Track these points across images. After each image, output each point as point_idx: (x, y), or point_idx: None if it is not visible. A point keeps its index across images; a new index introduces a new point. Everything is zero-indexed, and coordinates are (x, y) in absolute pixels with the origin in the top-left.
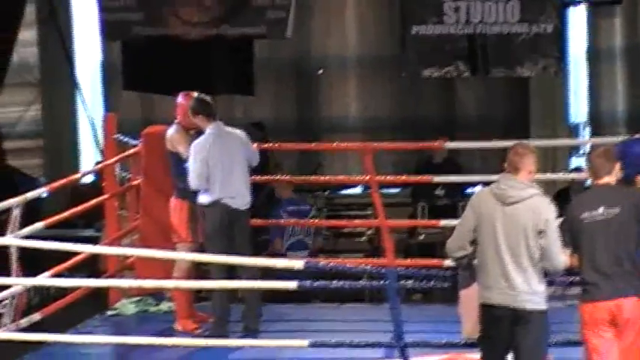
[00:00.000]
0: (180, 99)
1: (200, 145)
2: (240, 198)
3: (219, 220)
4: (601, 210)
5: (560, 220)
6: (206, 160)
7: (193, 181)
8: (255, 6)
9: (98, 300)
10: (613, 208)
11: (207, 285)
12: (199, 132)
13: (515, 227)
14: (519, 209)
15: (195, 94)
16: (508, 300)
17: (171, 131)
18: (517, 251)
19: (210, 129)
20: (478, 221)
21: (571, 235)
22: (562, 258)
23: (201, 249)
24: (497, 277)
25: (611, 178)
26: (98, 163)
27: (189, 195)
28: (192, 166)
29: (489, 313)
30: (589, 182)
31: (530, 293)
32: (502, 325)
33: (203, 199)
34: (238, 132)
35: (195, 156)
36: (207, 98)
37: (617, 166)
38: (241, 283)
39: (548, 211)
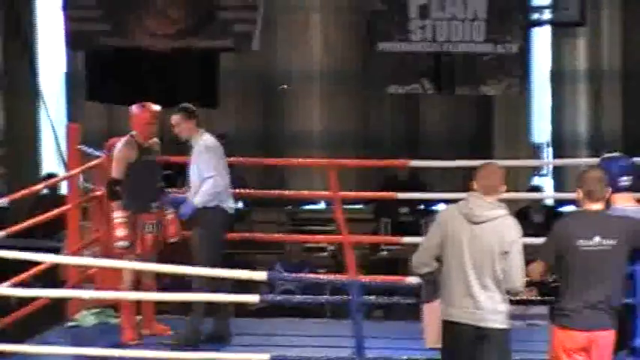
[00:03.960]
0: (135, 110)
1: (217, 150)
2: (232, 204)
3: (220, 224)
4: (597, 240)
5: (548, 235)
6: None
7: (217, 184)
8: (222, 19)
9: (57, 311)
10: (608, 239)
11: (168, 297)
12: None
13: (481, 247)
14: (486, 229)
15: (154, 105)
16: (471, 318)
17: (118, 144)
18: (482, 271)
19: (206, 135)
20: (444, 238)
21: (558, 257)
22: (522, 280)
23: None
24: (461, 295)
25: (602, 204)
26: (50, 176)
27: (132, 205)
28: (217, 168)
29: (452, 329)
30: (549, 202)
31: (494, 312)
32: (464, 342)
33: (209, 202)
34: None
35: (215, 160)
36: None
37: (609, 191)
38: (208, 296)
39: (513, 232)
